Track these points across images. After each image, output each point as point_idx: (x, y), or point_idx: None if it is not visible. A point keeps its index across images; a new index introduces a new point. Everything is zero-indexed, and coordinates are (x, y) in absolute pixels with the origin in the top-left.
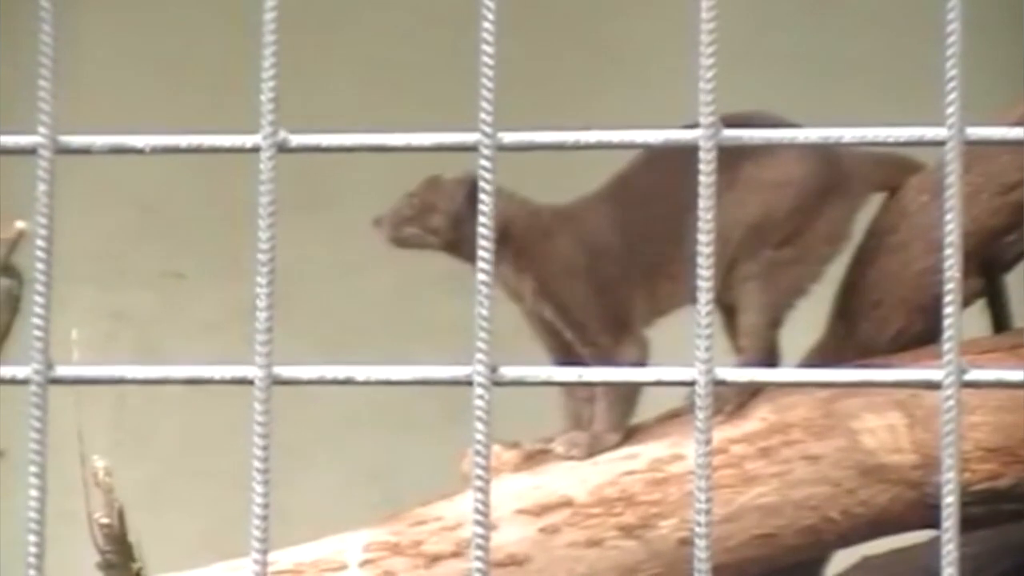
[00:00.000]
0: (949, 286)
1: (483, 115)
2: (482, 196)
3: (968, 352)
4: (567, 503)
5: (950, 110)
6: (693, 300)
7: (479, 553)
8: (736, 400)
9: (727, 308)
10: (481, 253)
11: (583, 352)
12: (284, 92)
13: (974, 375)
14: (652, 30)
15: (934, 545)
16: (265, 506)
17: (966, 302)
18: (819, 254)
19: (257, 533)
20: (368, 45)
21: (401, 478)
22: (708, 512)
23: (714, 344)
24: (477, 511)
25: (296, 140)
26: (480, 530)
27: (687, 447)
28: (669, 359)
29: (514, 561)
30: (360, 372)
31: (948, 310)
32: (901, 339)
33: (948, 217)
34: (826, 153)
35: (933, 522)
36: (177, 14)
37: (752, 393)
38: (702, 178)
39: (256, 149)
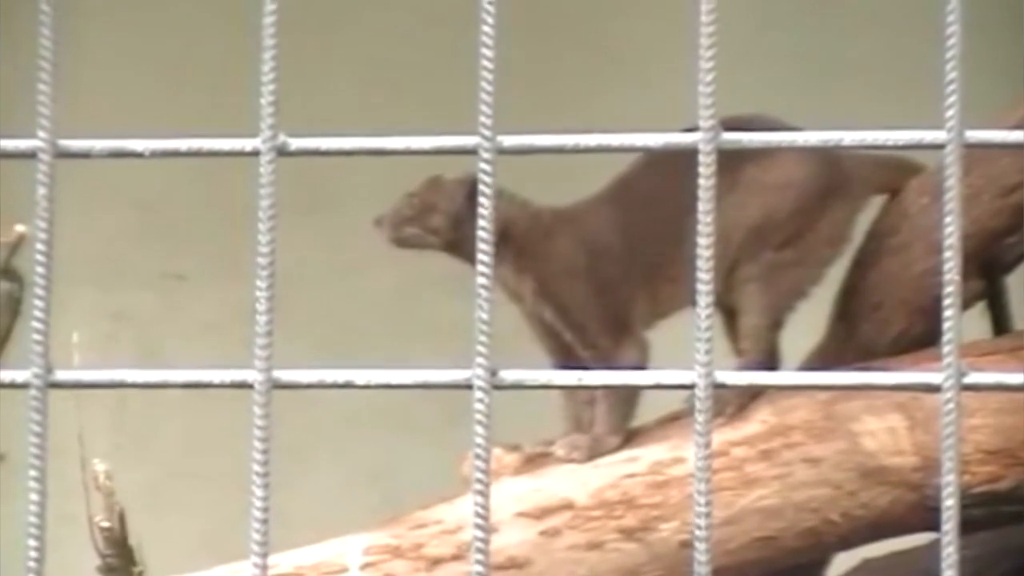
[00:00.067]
0: (948, 289)
1: (482, 118)
2: (481, 200)
3: (968, 354)
4: (568, 506)
5: (949, 113)
6: (693, 302)
7: (479, 556)
8: (737, 402)
9: (728, 310)
10: (481, 256)
11: (583, 354)
12: (284, 93)
13: (973, 378)
14: (652, 30)
15: (934, 547)
16: (265, 509)
17: (966, 304)
18: (820, 256)
19: (257, 536)
20: (368, 46)
21: (401, 480)
22: (708, 515)
23: (714, 347)
24: (477, 515)
25: (296, 144)
26: (480, 533)
27: (688, 450)
28: (669, 361)
29: (515, 564)
30: (360, 376)
31: (947, 313)
32: (902, 341)
33: (948, 220)
34: (827, 155)
35: (933, 524)
36: (177, 15)
37: (753, 395)
38: (701, 181)
39: (256, 153)
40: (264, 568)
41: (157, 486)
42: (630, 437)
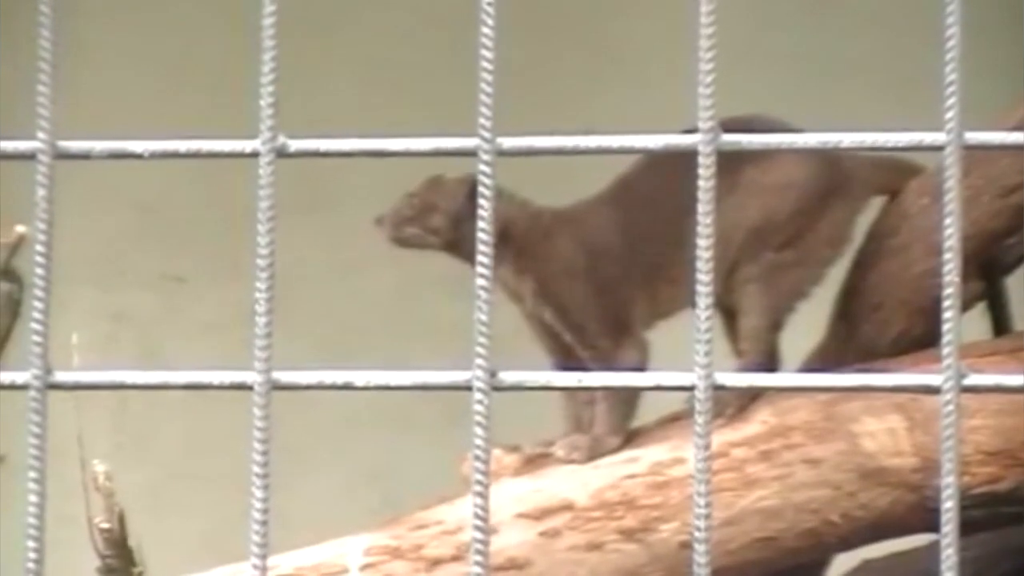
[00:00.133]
0: (948, 290)
1: (482, 120)
2: (481, 201)
3: (968, 355)
4: (568, 507)
5: (949, 115)
6: (693, 303)
7: (479, 558)
8: (737, 403)
9: (728, 311)
10: (480, 258)
11: (583, 354)
12: (284, 93)
13: (973, 380)
14: (652, 30)
15: (934, 548)
16: (265, 510)
17: (966, 305)
18: (820, 257)
19: (257, 537)
20: (368, 46)
21: (401, 481)
22: (708, 516)
23: (714, 348)
24: (476, 516)
25: (295, 145)
26: (480, 534)
27: (688, 450)
28: (669, 362)
29: (515, 565)
30: (359, 377)
31: (947, 314)
32: (902, 341)
33: (947, 221)
34: (827, 156)
35: (933, 525)
36: (177, 16)
37: (753, 396)
38: (701, 183)
39: (255, 154)
40: (264, 569)
41: (157, 487)
42: (630, 438)
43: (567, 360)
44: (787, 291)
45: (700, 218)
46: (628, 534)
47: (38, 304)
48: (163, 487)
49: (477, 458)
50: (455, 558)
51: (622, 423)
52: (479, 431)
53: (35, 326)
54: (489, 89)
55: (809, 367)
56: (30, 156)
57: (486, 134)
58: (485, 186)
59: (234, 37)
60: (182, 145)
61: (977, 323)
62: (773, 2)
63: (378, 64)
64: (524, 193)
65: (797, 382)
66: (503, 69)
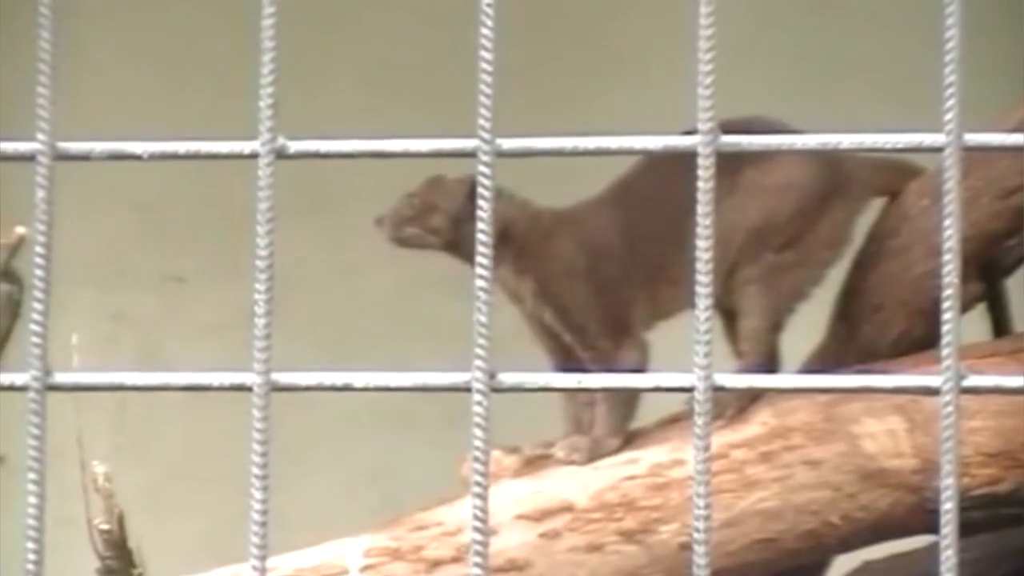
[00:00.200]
0: (947, 292)
1: (482, 121)
2: (481, 202)
3: (968, 356)
4: (568, 508)
5: (948, 116)
6: (693, 304)
7: (478, 559)
8: (737, 405)
9: (728, 312)
10: (480, 259)
11: (583, 355)
12: (284, 93)
13: (972, 381)
14: (652, 30)
15: (934, 550)
16: (264, 511)
17: (966, 306)
18: (820, 258)
19: (256, 538)
20: (368, 46)
21: (401, 481)
22: (707, 518)
23: (713, 350)
24: (476, 517)
25: (295, 147)
26: (479, 536)
27: (688, 452)
28: (669, 363)
29: (515, 566)
30: (359, 378)
31: (946, 316)
32: (902, 343)
33: (947, 223)
34: (827, 157)
35: (933, 527)
36: (177, 16)
37: (753, 397)
38: (700, 184)
39: (255, 156)
40: (264, 570)
41: (156, 488)
42: (630, 439)
43: (567, 361)
44: (787, 292)
45: (700, 219)
46: (628, 535)
47: (38, 305)
48: (163, 488)
49: (476, 459)
50: (455, 559)
51: (622, 424)
52: (478, 432)
53: (35, 327)
54: (489, 90)
55: (809, 368)
56: (30, 157)
57: (485, 135)
58: (485, 187)
59: (234, 37)
60: (181, 146)
61: (977, 324)
62: (773, 2)
63: (378, 64)
64: (524, 194)
65: (797, 383)
66: (503, 70)
